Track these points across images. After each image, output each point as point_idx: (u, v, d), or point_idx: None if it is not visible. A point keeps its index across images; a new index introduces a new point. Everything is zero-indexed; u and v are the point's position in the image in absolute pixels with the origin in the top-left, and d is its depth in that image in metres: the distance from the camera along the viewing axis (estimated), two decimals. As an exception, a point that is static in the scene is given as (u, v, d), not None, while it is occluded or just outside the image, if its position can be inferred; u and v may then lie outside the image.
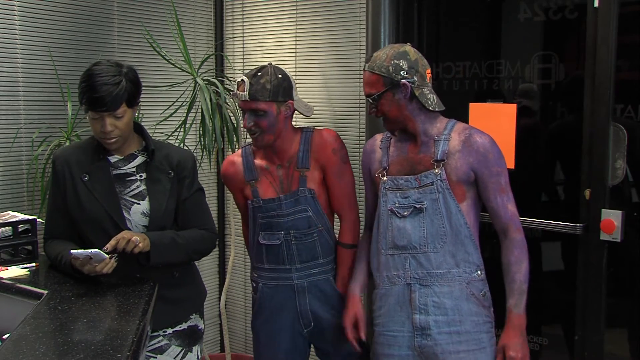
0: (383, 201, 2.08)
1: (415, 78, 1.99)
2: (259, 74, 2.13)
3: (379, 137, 2.19)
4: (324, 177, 2.25)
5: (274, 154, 2.24)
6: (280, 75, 2.14)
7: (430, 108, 2.01)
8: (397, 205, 2.04)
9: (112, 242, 1.97)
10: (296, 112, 2.24)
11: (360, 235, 2.35)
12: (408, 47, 2.02)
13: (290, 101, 2.17)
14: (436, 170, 1.99)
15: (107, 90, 1.98)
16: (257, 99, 2.11)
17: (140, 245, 1.99)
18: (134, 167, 2.16)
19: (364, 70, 2.04)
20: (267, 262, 2.28)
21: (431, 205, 1.99)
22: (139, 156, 2.18)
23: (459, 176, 1.99)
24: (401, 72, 1.97)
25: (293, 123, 2.28)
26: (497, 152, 2.00)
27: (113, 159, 2.15)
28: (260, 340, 2.33)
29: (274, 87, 2.11)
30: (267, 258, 2.27)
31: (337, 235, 2.33)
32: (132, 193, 2.14)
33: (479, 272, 2.02)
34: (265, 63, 2.20)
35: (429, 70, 2.03)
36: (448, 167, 1.99)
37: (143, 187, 2.15)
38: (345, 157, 2.27)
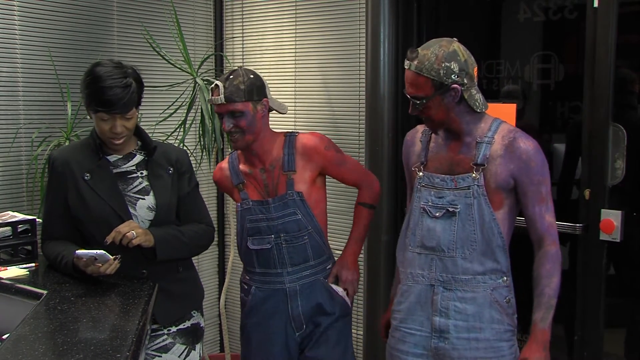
0: (417, 197, 2.02)
1: (465, 80, 1.87)
2: (231, 77, 2.16)
3: (420, 128, 2.10)
4: (317, 175, 2.27)
5: (255, 157, 2.25)
6: (252, 76, 2.18)
7: (478, 110, 1.91)
8: (430, 204, 1.97)
9: (112, 233, 2.02)
10: (276, 114, 2.25)
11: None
12: (456, 45, 1.88)
13: (265, 99, 2.20)
14: (474, 175, 1.90)
15: (120, 92, 2.01)
16: (233, 100, 2.13)
17: (134, 240, 2.01)
18: (133, 165, 2.18)
19: (407, 68, 1.90)
20: (258, 266, 2.28)
21: (465, 210, 1.92)
22: (137, 154, 2.19)
23: (498, 183, 1.89)
24: (452, 76, 1.84)
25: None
26: (540, 160, 1.89)
27: (112, 158, 2.16)
28: (253, 343, 2.33)
29: (248, 86, 2.14)
30: (257, 262, 2.28)
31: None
32: (136, 189, 2.15)
33: (504, 278, 1.95)
34: (235, 67, 2.23)
35: (476, 69, 1.92)
36: (487, 173, 1.90)
37: (145, 183, 2.17)
38: (338, 148, 2.32)
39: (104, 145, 2.15)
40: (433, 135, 2.03)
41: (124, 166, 2.17)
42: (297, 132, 2.29)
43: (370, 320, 3.05)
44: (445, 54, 1.85)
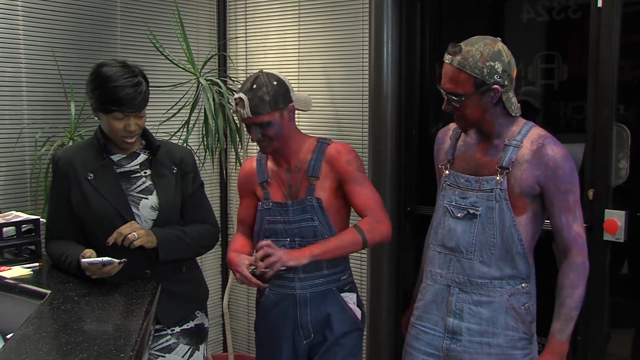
0: (442, 195, 2.00)
1: (506, 82, 1.83)
2: (254, 86, 2.08)
3: (452, 126, 2.06)
4: (338, 186, 2.19)
5: (281, 157, 2.23)
6: (275, 82, 2.10)
7: (513, 114, 1.88)
8: (453, 203, 1.95)
9: (114, 235, 2.02)
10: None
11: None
12: (501, 45, 1.85)
13: (290, 104, 2.15)
14: (498, 178, 1.87)
15: (133, 92, 2.03)
16: (259, 112, 2.08)
17: (136, 242, 2.02)
18: (137, 165, 2.18)
19: (448, 62, 1.85)
20: None
21: (486, 213, 1.89)
22: (141, 154, 2.20)
23: (522, 188, 1.86)
24: (495, 76, 1.81)
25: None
26: (569, 168, 1.84)
27: (116, 157, 2.17)
28: (264, 345, 2.32)
29: (273, 96, 2.08)
30: None
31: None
32: (139, 189, 2.16)
33: (524, 284, 1.92)
34: (257, 71, 2.15)
35: (515, 71, 1.89)
36: (512, 177, 1.86)
37: (149, 182, 2.17)
38: (361, 167, 2.22)
39: (108, 144, 2.16)
40: (463, 134, 2.01)
41: (128, 165, 2.17)
42: (330, 140, 2.24)
43: (373, 321, 3.05)
44: (490, 53, 1.81)
